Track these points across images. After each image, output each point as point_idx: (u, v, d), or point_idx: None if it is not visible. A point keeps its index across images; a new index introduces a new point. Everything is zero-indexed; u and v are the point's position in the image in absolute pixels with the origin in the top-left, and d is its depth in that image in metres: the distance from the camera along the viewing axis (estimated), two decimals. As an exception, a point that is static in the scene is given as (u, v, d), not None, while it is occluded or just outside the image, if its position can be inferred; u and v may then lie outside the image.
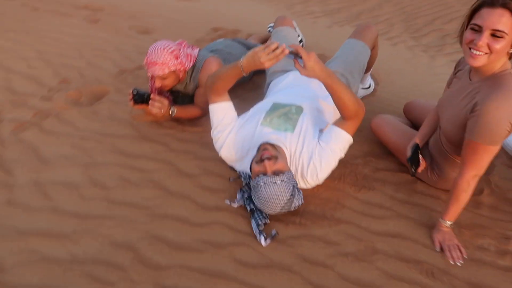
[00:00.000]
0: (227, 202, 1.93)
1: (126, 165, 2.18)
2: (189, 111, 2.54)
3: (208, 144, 2.35)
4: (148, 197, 1.97)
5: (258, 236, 1.74)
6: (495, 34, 1.46)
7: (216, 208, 1.92)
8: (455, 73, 1.88)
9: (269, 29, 3.75)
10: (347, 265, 1.65)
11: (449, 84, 1.96)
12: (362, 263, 1.65)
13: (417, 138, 2.05)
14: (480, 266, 1.66)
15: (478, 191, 2.05)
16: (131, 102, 2.33)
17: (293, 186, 1.76)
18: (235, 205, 1.91)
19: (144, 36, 3.68)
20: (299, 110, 2.07)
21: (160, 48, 2.25)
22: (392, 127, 2.23)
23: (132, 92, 2.30)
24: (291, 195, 1.74)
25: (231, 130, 2.06)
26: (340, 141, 1.90)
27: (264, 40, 3.58)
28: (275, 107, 2.10)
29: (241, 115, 2.14)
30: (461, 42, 1.60)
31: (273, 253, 1.70)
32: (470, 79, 1.70)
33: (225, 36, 3.81)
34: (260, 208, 1.80)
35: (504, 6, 1.42)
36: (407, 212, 1.92)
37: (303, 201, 1.79)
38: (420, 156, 1.98)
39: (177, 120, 2.56)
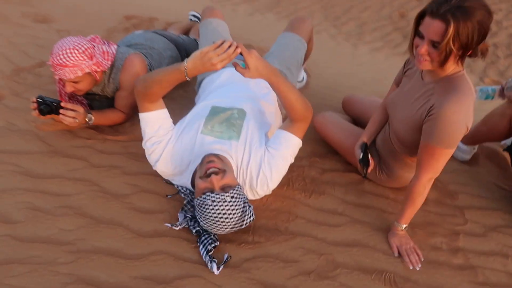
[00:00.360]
0: (168, 225, 1.67)
1: (36, 190, 1.78)
2: (109, 117, 2.19)
3: (136, 155, 2.04)
4: (68, 229, 1.63)
5: (208, 263, 1.52)
6: (434, 44, 1.40)
7: (155, 234, 1.65)
8: (404, 72, 1.82)
9: (190, 17, 3.44)
10: (310, 285, 1.51)
11: (397, 82, 1.90)
12: (325, 281, 1.53)
13: (364, 136, 1.98)
14: (437, 268, 1.65)
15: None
16: (36, 113, 1.91)
17: (244, 201, 1.57)
18: (177, 228, 1.66)
19: (42, 26, 3.13)
20: (242, 114, 1.86)
21: (69, 48, 1.86)
22: (336, 126, 2.14)
23: (37, 100, 1.88)
24: (242, 211, 1.54)
25: (168, 141, 1.78)
26: (290, 146, 1.75)
27: (186, 31, 3.27)
28: (215, 111, 1.87)
29: (178, 122, 1.87)
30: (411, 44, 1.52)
31: (229, 282, 1.50)
32: (422, 79, 1.65)
33: (140, 25, 3.42)
34: (207, 229, 1.57)
35: (443, 17, 1.35)
36: (360, 216, 1.85)
37: (254, 216, 1.60)
38: (369, 156, 1.91)
39: (96, 127, 2.19)
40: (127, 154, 2.06)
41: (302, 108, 1.67)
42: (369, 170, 1.90)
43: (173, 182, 1.84)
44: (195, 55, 1.50)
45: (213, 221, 1.50)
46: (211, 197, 1.50)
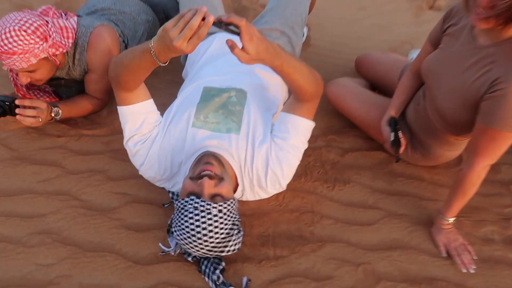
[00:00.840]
0: (162, 253, 1.37)
1: (0, 212, 1.45)
2: (81, 106, 1.80)
3: (120, 152, 1.69)
4: (48, 263, 1.32)
5: (223, 295, 1.24)
6: None
7: (156, 259, 1.35)
8: (444, 30, 1.45)
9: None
10: (350, 307, 1.26)
11: (434, 42, 1.53)
12: (368, 300, 1.28)
13: (392, 109, 1.65)
14: (493, 267, 1.40)
15: (456, 162, 1.76)
16: (-15, 117, 1.52)
17: (234, 223, 1.26)
18: (174, 254, 1.36)
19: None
20: (241, 96, 1.49)
21: (14, 29, 1.42)
22: (353, 96, 1.79)
23: (-17, 101, 1.49)
24: (228, 234, 1.23)
25: (154, 140, 1.42)
26: (301, 133, 1.41)
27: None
28: (208, 95, 1.50)
29: (165, 112, 1.50)
30: None
31: (253, 314, 1.23)
32: (475, 40, 1.29)
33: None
34: (178, 242, 1.27)
35: None
36: (395, 207, 1.57)
37: (240, 245, 1.29)
38: (400, 134, 1.59)
39: (67, 121, 1.80)
40: (109, 152, 1.70)
41: (312, 86, 1.31)
42: (401, 150, 1.59)
43: (166, 188, 1.51)
44: (158, 34, 1.08)
45: (188, 234, 1.19)
46: (195, 202, 1.19)
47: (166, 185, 1.48)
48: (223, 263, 1.31)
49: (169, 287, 1.27)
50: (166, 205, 1.51)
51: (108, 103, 1.89)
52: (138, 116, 1.38)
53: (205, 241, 1.20)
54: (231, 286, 1.27)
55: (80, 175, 1.60)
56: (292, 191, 1.58)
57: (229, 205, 1.24)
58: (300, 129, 1.40)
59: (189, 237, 1.20)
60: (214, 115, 1.45)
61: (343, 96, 1.81)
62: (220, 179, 1.26)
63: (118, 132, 1.78)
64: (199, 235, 1.19)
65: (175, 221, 1.25)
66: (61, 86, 1.85)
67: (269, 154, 1.40)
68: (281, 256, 1.37)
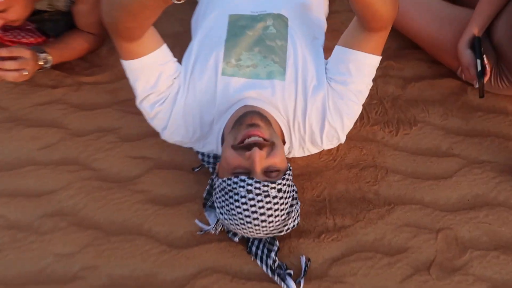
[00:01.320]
0: (201, 226, 1.13)
1: (1, 192, 1.21)
2: (73, 47, 1.45)
3: (131, 103, 1.37)
4: (68, 253, 1.11)
5: (280, 282, 1.03)
6: None
7: (194, 240, 1.13)
8: None
9: None
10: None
11: None
12: (454, 276, 1.05)
13: (474, 25, 1.26)
14: None
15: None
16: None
17: (293, 197, 1.00)
18: (214, 232, 1.12)
19: None
20: (281, 24, 1.13)
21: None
22: (420, 8, 1.38)
23: None
24: (288, 213, 0.98)
25: (176, 97, 1.10)
26: (367, 73, 1.08)
27: None
28: (236, 26, 1.13)
29: (183, 57, 1.15)
30: None
31: (317, 302, 1.03)
32: None
33: None
34: (226, 225, 1.04)
35: None
36: (475, 153, 1.27)
37: (299, 219, 1.05)
38: (485, 59, 1.23)
39: (61, 65, 1.47)
40: (118, 104, 1.39)
41: (390, 9, 0.93)
42: (486, 79, 1.24)
43: (195, 149, 1.24)
44: None
45: (242, 221, 0.95)
46: (248, 185, 0.92)
47: (196, 146, 1.20)
48: (277, 243, 1.08)
49: (214, 273, 1.07)
50: (196, 169, 1.24)
51: (106, 39, 1.53)
52: (151, 71, 1.05)
53: (263, 226, 0.95)
54: (288, 269, 1.05)
55: (87, 136, 1.32)
56: (346, 141, 1.27)
57: (287, 179, 0.97)
58: (365, 70, 1.06)
59: (243, 223, 0.96)
60: (249, 55, 1.10)
61: (405, 8, 1.40)
62: (272, 145, 0.97)
63: (124, 76, 1.44)
64: (256, 221, 0.94)
65: (219, 201, 1.00)
66: (46, 21, 1.47)
67: (326, 104, 1.08)
68: (343, 227, 1.14)
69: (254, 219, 0.94)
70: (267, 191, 0.93)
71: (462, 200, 1.18)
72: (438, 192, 1.19)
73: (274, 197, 0.94)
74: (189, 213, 1.17)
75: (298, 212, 1.05)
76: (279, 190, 0.94)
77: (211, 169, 1.21)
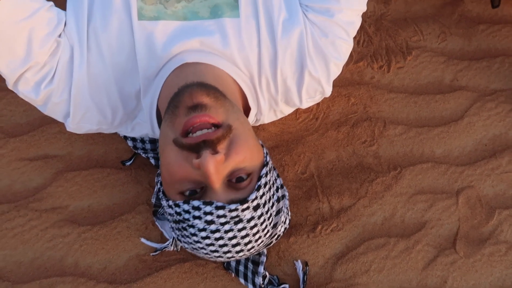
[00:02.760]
0: (152, 245, 0.80)
1: None
2: None
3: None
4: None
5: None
6: None
7: (144, 270, 0.79)
8: None
9: None
10: (464, 268, 0.83)
11: None
12: (485, 248, 0.84)
13: None
14: None
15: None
16: None
17: (278, 196, 0.69)
18: (173, 247, 0.80)
19: None
20: None
21: None
22: None
23: None
24: (275, 224, 0.68)
25: (71, 67, 0.69)
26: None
27: None
28: None
29: (68, 1, 0.70)
30: None
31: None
32: None
33: None
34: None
35: None
36: (485, 81, 1.00)
37: (289, 217, 0.75)
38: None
39: None
40: None
41: None
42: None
43: (120, 134, 0.85)
44: None
45: (208, 256, 0.65)
46: (206, 214, 0.59)
47: (121, 130, 0.80)
48: (265, 251, 0.79)
49: (183, 311, 0.77)
50: (128, 163, 0.87)
51: None
52: (11, 35, 0.61)
53: (241, 254, 0.65)
54: (283, 284, 0.78)
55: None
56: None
57: (266, 183, 0.64)
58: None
59: (211, 257, 0.64)
60: None
61: None
62: (227, 131, 0.60)
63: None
64: (229, 254, 0.63)
65: (174, 230, 0.66)
66: None
67: (304, 47, 0.73)
68: (342, 209, 0.86)
69: (225, 252, 0.63)
70: (237, 216, 0.60)
71: (478, 147, 0.93)
72: (450, 141, 0.93)
73: (249, 220, 0.61)
74: (131, 230, 0.82)
75: (287, 208, 0.74)
76: (256, 207, 0.62)
77: (152, 160, 0.84)
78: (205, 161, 0.56)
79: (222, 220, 0.59)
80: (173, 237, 0.79)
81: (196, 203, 0.59)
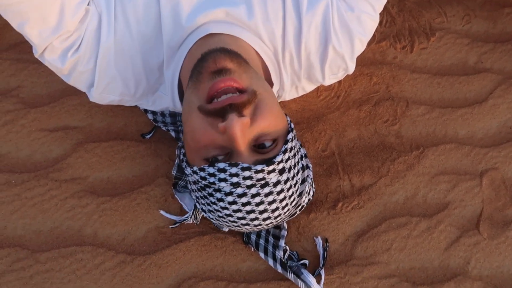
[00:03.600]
0: (171, 217, 0.80)
1: None
2: None
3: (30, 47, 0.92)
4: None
5: (295, 278, 0.74)
6: None
7: (164, 241, 0.79)
8: None
9: None
10: (487, 248, 0.81)
11: None
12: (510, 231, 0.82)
13: None
14: None
15: None
16: None
17: (302, 165, 0.69)
18: (193, 219, 0.79)
19: None
20: None
21: None
22: None
23: None
24: (300, 193, 0.67)
25: (99, 36, 0.68)
26: None
27: None
28: None
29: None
30: None
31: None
32: None
33: None
34: (229, 228, 0.72)
35: None
36: (510, 64, 0.98)
37: (314, 189, 0.74)
38: None
39: None
40: (9, 51, 0.93)
41: None
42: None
43: (141, 107, 0.84)
44: None
45: (234, 224, 0.64)
46: (231, 175, 0.59)
47: (142, 103, 0.80)
48: (285, 225, 0.78)
49: (202, 282, 0.76)
50: (148, 136, 0.86)
51: None
52: (46, 5, 0.61)
53: (267, 223, 0.64)
54: (302, 259, 0.77)
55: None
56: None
57: (291, 148, 0.63)
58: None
59: (237, 225, 0.65)
60: None
61: None
62: (253, 95, 0.60)
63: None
64: (256, 221, 0.63)
65: (198, 199, 0.66)
66: None
67: (330, 21, 0.72)
68: (363, 187, 0.84)
69: (252, 219, 0.62)
70: (263, 178, 0.59)
71: (503, 129, 0.92)
72: (474, 123, 0.92)
73: (275, 184, 0.60)
74: (150, 202, 0.81)
75: (311, 178, 0.73)
76: (282, 171, 0.61)
77: (172, 133, 0.84)
78: (231, 124, 0.55)
79: (248, 182, 0.58)
80: (193, 210, 0.78)
81: (221, 165, 0.58)
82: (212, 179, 0.59)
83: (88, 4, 0.67)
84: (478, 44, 0.99)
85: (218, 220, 0.65)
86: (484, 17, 1.03)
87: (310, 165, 0.73)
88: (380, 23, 1.00)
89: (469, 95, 0.94)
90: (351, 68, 0.79)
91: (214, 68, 0.60)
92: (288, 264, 0.75)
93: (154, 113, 0.84)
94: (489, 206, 0.84)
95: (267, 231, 0.77)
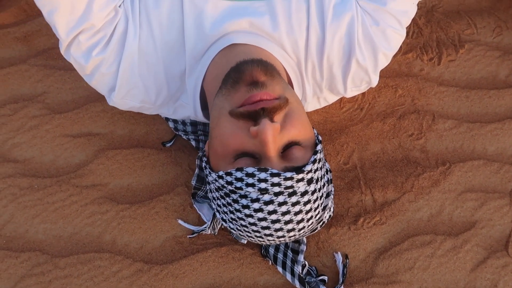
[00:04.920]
0: (189, 227, 0.79)
1: None
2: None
3: (57, 52, 0.94)
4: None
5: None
6: None
7: (182, 251, 0.78)
8: None
9: None
10: None
11: None
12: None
13: None
14: None
15: None
16: None
17: (327, 179, 0.68)
18: (211, 230, 0.78)
19: None
20: None
21: None
22: None
23: None
24: (324, 207, 0.66)
25: (125, 41, 0.69)
26: None
27: None
28: None
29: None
30: None
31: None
32: None
33: None
34: (232, 231, 0.70)
35: None
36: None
37: (333, 206, 0.72)
38: None
39: None
40: (37, 57, 0.94)
41: None
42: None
43: (162, 115, 0.84)
44: None
45: (257, 234, 0.62)
46: (260, 181, 0.57)
47: (163, 111, 0.80)
48: (305, 239, 0.76)
49: (219, 294, 0.75)
50: (169, 144, 0.86)
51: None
52: None
53: (291, 235, 0.63)
54: (321, 275, 0.75)
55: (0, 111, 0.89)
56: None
57: (319, 159, 0.62)
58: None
59: (260, 236, 0.63)
60: None
61: None
62: (284, 103, 0.60)
63: (39, 10, 0.97)
64: (280, 232, 0.62)
65: (220, 207, 0.65)
66: None
67: (354, 34, 0.71)
68: (386, 203, 0.82)
69: (276, 230, 0.61)
70: (291, 186, 0.58)
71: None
72: (504, 139, 0.88)
73: (303, 194, 0.59)
74: (168, 210, 0.81)
75: (333, 194, 0.71)
76: (310, 181, 0.60)
77: (193, 142, 0.83)
78: (264, 127, 0.55)
79: (276, 189, 0.57)
80: (211, 220, 0.78)
81: (250, 169, 0.57)
82: (239, 184, 0.58)
83: (119, 6, 0.68)
84: (509, 57, 0.96)
85: (240, 230, 0.64)
86: (515, 28, 0.99)
87: (331, 180, 0.71)
88: (407, 34, 0.98)
89: (499, 110, 0.91)
90: (375, 81, 0.77)
91: (251, 80, 0.60)
92: (307, 280, 0.73)
93: (175, 121, 0.85)
94: (519, 227, 0.80)
95: (286, 245, 0.76)
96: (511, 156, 0.87)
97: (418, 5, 0.98)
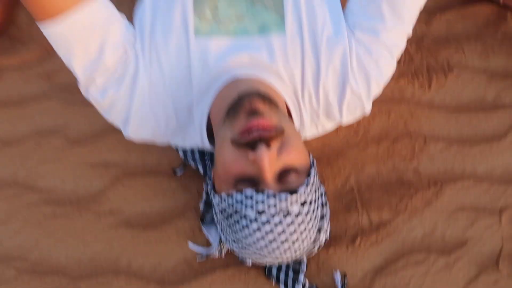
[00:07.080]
0: (198, 250, 0.86)
1: None
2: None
3: (76, 87, 1.02)
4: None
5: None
6: None
7: (191, 273, 0.85)
8: None
9: None
10: None
11: None
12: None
13: None
14: None
15: None
16: None
17: (322, 202, 0.74)
18: (218, 252, 0.85)
19: None
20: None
21: None
22: None
23: None
24: (319, 229, 0.72)
25: (136, 79, 0.76)
26: (408, 18, 0.77)
27: None
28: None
29: (136, 17, 0.79)
30: None
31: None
32: None
33: None
34: (240, 254, 0.76)
35: None
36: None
37: (329, 228, 0.77)
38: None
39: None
40: (58, 92, 1.03)
41: None
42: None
43: (172, 144, 0.92)
44: None
45: (256, 254, 0.69)
46: (257, 202, 0.64)
47: (173, 140, 0.87)
48: (305, 259, 0.82)
49: (226, 314, 0.81)
50: (179, 173, 0.93)
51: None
52: (86, 37, 0.70)
53: (287, 255, 0.68)
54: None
55: (23, 144, 0.97)
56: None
57: (313, 183, 0.69)
58: (405, 12, 0.74)
59: (258, 256, 0.69)
60: (229, 2, 0.76)
61: None
62: (280, 133, 0.66)
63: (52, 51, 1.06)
64: (276, 252, 0.67)
65: (223, 228, 0.72)
66: None
67: (348, 63, 0.77)
68: (382, 223, 0.88)
69: (273, 249, 0.67)
70: (285, 208, 0.64)
71: (524, 166, 0.93)
72: (492, 159, 0.93)
73: (297, 215, 0.65)
74: (179, 235, 0.88)
75: (328, 218, 0.77)
76: (303, 203, 0.66)
77: (200, 169, 0.90)
78: (260, 153, 0.62)
79: (273, 210, 0.63)
80: (218, 242, 0.84)
81: (249, 192, 0.64)
82: (239, 206, 0.65)
83: (128, 48, 0.75)
84: (496, 80, 1.01)
85: (242, 251, 0.70)
86: (502, 53, 1.05)
87: (327, 204, 0.77)
88: (399, 62, 1.03)
89: (488, 131, 0.96)
90: (368, 108, 0.83)
91: (249, 109, 0.66)
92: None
93: (184, 150, 0.92)
94: (509, 243, 0.85)
95: (287, 265, 0.82)
96: (500, 175, 0.92)
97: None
